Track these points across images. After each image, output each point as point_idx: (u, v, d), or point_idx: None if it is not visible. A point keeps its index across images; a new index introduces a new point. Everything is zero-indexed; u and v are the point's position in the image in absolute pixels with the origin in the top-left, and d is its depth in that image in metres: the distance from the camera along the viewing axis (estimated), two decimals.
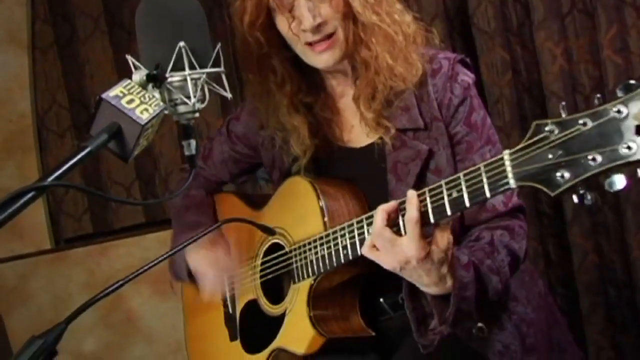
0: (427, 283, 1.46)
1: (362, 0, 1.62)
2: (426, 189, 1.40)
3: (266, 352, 1.76)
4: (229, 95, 1.48)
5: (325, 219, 1.64)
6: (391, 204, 1.44)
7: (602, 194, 2.67)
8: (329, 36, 1.63)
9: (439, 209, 1.37)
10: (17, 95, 3.18)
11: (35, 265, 3.23)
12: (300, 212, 1.70)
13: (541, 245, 2.75)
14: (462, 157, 1.67)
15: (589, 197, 1.17)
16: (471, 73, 1.72)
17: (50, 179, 1.11)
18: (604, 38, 2.56)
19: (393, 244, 1.41)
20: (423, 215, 1.39)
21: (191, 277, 1.91)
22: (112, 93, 1.27)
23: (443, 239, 1.42)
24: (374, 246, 1.45)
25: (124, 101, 1.27)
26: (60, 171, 1.14)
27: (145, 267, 1.43)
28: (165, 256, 1.51)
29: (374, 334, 1.69)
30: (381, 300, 1.72)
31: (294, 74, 1.74)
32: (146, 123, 1.26)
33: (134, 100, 1.28)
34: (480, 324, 1.61)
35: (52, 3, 3.19)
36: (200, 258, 1.86)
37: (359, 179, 1.73)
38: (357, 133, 1.75)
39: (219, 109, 3.12)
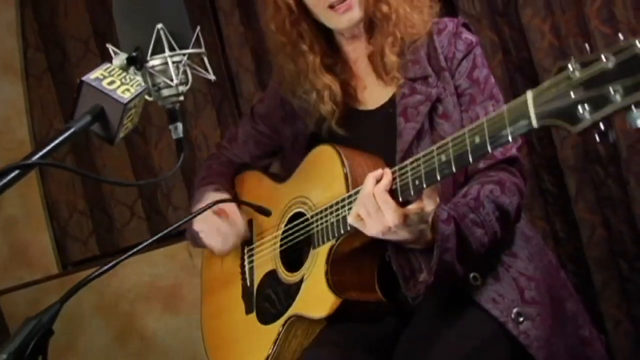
0: (410, 241, 1.56)
1: None
2: (449, 138, 1.43)
3: (281, 320, 1.75)
4: (212, 77, 1.49)
5: (349, 185, 1.67)
6: (380, 171, 1.53)
7: (604, 167, 2.64)
8: None
9: (461, 157, 1.40)
10: (15, 123, 3.21)
11: (45, 291, 3.22)
12: (325, 180, 1.73)
13: (548, 224, 2.72)
14: (466, 107, 1.74)
15: (610, 135, 1.17)
16: (474, 35, 1.81)
17: (36, 157, 1.11)
18: (590, 10, 2.55)
19: (375, 211, 1.51)
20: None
21: None
22: (92, 76, 1.28)
23: (430, 203, 1.51)
24: (359, 215, 1.54)
25: (104, 83, 1.27)
26: (44, 151, 1.14)
27: (155, 237, 1.41)
28: (171, 228, 1.49)
29: (385, 300, 1.69)
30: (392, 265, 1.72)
31: (321, 38, 1.84)
32: (128, 102, 1.26)
33: (114, 81, 1.29)
34: (474, 274, 1.64)
35: (42, 30, 3.23)
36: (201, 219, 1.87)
37: (375, 137, 1.78)
38: (371, 93, 1.84)
39: (215, 122, 3.14)
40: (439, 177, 1.44)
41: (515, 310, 1.61)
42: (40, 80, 3.25)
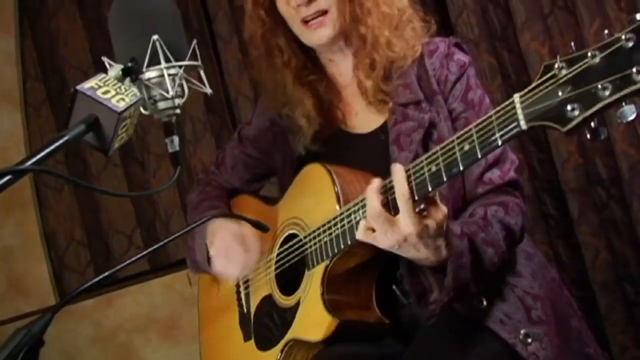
0: (425, 256, 1.46)
1: None
2: (438, 147, 1.39)
3: (279, 345, 1.71)
4: (208, 90, 1.47)
5: (341, 204, 1.62)
6: (378, 182, 1.44)
7: (607, 189, 2.62)
8: (323, 13, 1.68)
9: (450, 165, 1.35)
10: (12, 152, 3.19)
11: None
12: (316, 199, 1.69)
13: (551, 248, 2.70)
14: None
15: (601, 132, 1.15)
16: (467, 55, 1.75)
17: (29, 163, 1.09)
18: (589, 33, 2.57)
19: (392, 224, 1.41)
20: (434, 175, 1.37)
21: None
22: (87, 85, 1.26)
23: (437, 211, 1.43)
24: (369, 229, 1.45)
25: (99, 92, 1.25)
26: (37, 157, 1.11)
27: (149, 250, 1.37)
28: (172, 238, 1.46)
29: (387, 321, 1.64)
30: (394, 287, 1.68)
31: (299, 53, 1.79)
32: (123, 111, 1.24)
33: (109, 91, 1.27)
34: (480, 297, 1.58)
35: (41, 60, 3.24)
36: (221, 237, 1.80)
37: (366, 162, 1.72)
38: (362, 119, 1.78)
39: (214, 150, 3.12)
40: (430, 188, 1.39)
41: (522, 331, 1.57)
42: (39, 111, 3.25)
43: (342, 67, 1.79)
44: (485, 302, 1.60)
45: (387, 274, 1.66)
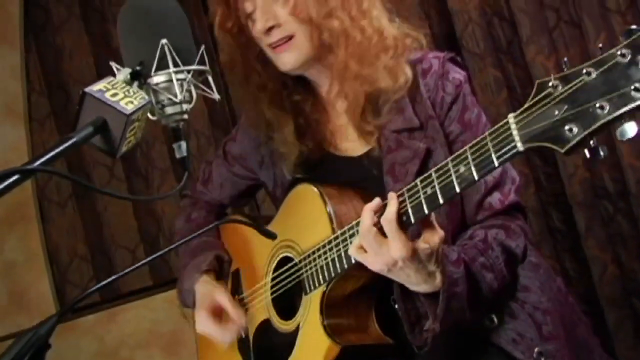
0: (416, 282, 1.42)
1: (321, 6, 1.60)
2: (432, 171, 1.35)
3: None
4: (216, 96, 1.46)
5: (334, 224, 1.58)
6: (377, 202, 1.41)
7: (614, 203, 2.60)
8: (288, 39, 1.62)
9: (447, 187, 1.32)
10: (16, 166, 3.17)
11: None
12: (308, 221, 1.64)
13: (558, 262, 2.67)
14: None
15: (601, 150, 1.12)
16: (462, 70, 1.69)
17: (36, 163, 1.08)
18: (595, 46, 2.56)
19: (380, 244, 1.38)
20: (430, 198, 1.34)
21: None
22: (95, 87, 1.26)
23: (433, 235, 1.39)
24: (362, 247, 1.42)
25: (107, 94, 1.25)
26: (45, 158, 1.10)
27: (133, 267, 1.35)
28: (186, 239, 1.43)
29: (391, 341, 1.61)
30: (396, 306, 1.65)
31: (276, 73, 1.71)
32: (131, 113, 1.23)
33: (117, 94, 1.26)
34: (490, 315, 1.56)
35: (46, 74, 3.24)
36: (202, 317, 1.80)
37: (358, 187, 1.67)
38: (352, 142, 1.72)
39: None
40: (426, 211, 1.36)
41: (536, 349, 1.54)
42: (43, 125, 3.24)
43: (328, 89, 1.72)
44: (496, 321, 1.57)
45: (388, 289, 1.61)
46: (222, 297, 1.76)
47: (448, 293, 1.43)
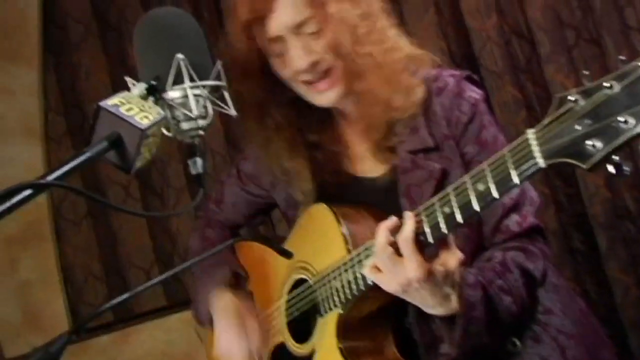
0: (432, 304, 1.39)
1: (352, 34, 1.57)
2: (449, 188, 1.32)
3: None
4: (233, 112, 1.44)
5: (349, 245, 1.55)
6: (393, 221, 1.38)
7: (636, 223, 2.56)
8: (327, 73, 1.58)
9: (466, 206, 1.29)
10: None
11: None
12: (322, 242, 1.61)
13: (578, 284, 2.63)
14: None
15: (625, 166, 1.08)
16: (479, 89, 1.65)
17: (50, 178, 1.06)
18: (615, 65, 2.52)
19: (394, 264, 1.35)
20: (448, 217, 1.31)
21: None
22: (110, 102, 1.24)
23: (450, 257, 1.36)
24: (376, 267, 1.39)
25: (123, 109, 1.23)
26: (58, 173, 1.08)
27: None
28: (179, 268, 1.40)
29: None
30: (413, 333, 1.61)
31: (293, 116, 1.68)
32: (147, 128, 1.21)
33: (133, 108, 1.24)
34: (512, 338, 1.52)
35: (63, 93, 3.25)
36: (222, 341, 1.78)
37: (374, 207, 1.64)
38: (369, 164, 1.69)
39: None
40: (446, 230, 1.33)
41: None
42: (59, 144, 3.25)
43: (346, 113, 1.69)
44: (519, 345, 1.53)
45: (405, 311, 1.59)
46: (250, 312, 1.75)
47: (466, 317, 1.40)
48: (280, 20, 1.56)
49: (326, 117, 1.72)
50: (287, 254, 1.63)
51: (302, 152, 1.69)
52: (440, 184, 1.56)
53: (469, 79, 1.65)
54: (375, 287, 1.44)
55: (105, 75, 3.21)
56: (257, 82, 1.65)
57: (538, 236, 1.60)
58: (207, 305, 1.80)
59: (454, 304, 1.39)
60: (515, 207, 1.57)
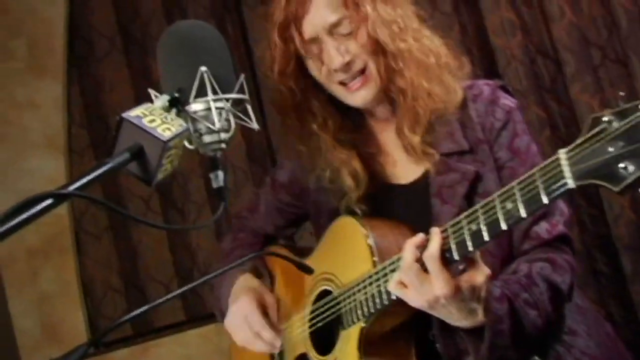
0: (458, 318, 1.39)
1: (388, 31, 1.60)
2: (477, 206, 1.32)
3: None
4: (255, 126, 1.43)
5: (375, 258, 1.55)
6: (420, 238, 1.38)
7: None
8: (361, 72, 1.62)
9: (493, 224, 1.29)
10: None
11: None
12: (349, 254, 1.62)
13: (603, 307, 2.58)
14: (506, 182, 1.57)
15: None
16: (513, 99, 1.68)
17: (71, 188, 1.06)
18: None
19: (421, 281, 1.35)
20: (475, 235, 1.30)
21: None
22: (133, 113, 1.24)
23: (477, 274, 1.36)
24: (402, 283, 1.39)
25: (145, 120, 1.23)
26: (79, 183, 1.08)
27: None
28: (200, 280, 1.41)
29: None
30: (437, 345, 1.59)
31: (334, 113, 1.72)
32: (169, 140, 1.20)
33: (155, 120, 1.24)
34: (535, 357, 1.50)
35: (87, 106, 3.27)
36: (234, 311, 1.77)
37: (407, 215, 1.65)
38: (402, 169, 1.71)
39: None
40: (471, 248, 1.33)
41: None
42: (82, 157, 3.27)
43: (381, 116, 1.72)
44: None
45: (428, 324, 1.57)
46: (271, 299, 1.76)
47: (493, 330, 1.39)
48: (315, 21, 1.61)
49: (361, 121, 1.75)
50: (307, 270, 1.62)
51: (347, 145, 1.72)
52: (473, 185, 1.58)
53: (503, 88, 1.69)
54: (399, 302, 1.44)
55: (129, 88, 3.23)
56: (296, 83, 1.68)
57: (566, 247, 1.59)
58: (228, 289, 1.80)
59: (480, 317, 1.39)
60: (545, 215, 1.57)
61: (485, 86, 1.66)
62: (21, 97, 3.26)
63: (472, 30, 2.75)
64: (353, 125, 1.75)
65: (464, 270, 1.37)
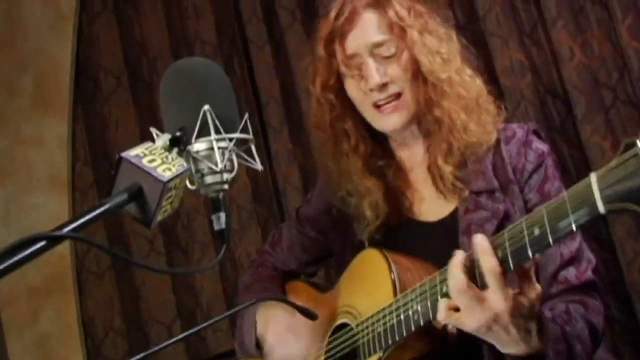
0: (515, 340, 1.33)
1: (432, 60, 1.62)
2: (504, 231, 1.30)
3: None
4: (259, 166, 1.39)
5: (397, 292, 1.51)
6: (463, 256, 1.34)
7: None
8: (396, 97, 1.63)
9: (518, 252, 1.26)
10: None
11: None
12: (371, 287, 1.59)
13: (616, 356, 2.49)
14: None
15: None
16: (545, 144, 1.68)
17: (67, 229, 1.02)
18: None
19: (480, 300, 1.29)
20: (502, 261, 1.28)
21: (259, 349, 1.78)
22: (132, 152, 1.20)
23: (531, 289, 1.31)
24: (452, 308, 1.34)
25: (145, 160, 1.19)
26: (75, 224, 1.04)
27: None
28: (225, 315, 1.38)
29: None
30: None
31: (367, 138, 1.73)
32: (168, 181, 1.17)
33: (155, 160, 1.20)
34: None
35: (92, 144, 3.26)
36: (271, 331, 1.74)
37: (433, 253, 1.60)
38: (430, 206, 1.70)
39: (260, 240, 3.04)
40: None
41: None
42: (85, 195, 3.24)
43: (413, 151, 1.73)
44: None
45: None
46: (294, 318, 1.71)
47: (554, 350, 1.35)
48: (359, 38, 1.64)
49: (391, 153, 1.76)
50: (311, 316, 1.57)
51: (374, 173, 1.72)
52: (502, 224, 1.55)
53: (536, 132, 1.69)
54: (416, 336, 1.42)
55: (134, 126, 3.21)
56: (337, 97, 1.71)
57: (595, 293, 1.57)
58: (252, 324, 1.76)
59: (534, 340, 1.34)
60: (573, 260, 1.56)
61: (518, 129, 1.67)
62: (27, 133, 3.26)
63: (480, 71, 2.72)
64: (383, 154, 1.75)
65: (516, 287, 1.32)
